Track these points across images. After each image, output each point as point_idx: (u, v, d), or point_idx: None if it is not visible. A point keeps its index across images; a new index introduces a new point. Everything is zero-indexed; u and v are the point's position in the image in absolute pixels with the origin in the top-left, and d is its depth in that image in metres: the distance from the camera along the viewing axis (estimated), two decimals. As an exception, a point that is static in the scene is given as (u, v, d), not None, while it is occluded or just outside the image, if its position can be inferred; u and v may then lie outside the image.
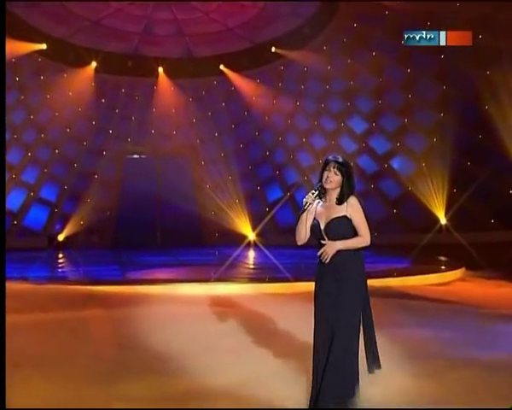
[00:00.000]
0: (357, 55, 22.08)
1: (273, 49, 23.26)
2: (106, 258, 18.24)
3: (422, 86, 21.03)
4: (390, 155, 22.49)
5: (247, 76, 23.85)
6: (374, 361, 4.42)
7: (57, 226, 22.86)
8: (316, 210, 4.40)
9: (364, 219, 4.35)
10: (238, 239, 20.81)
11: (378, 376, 4.50)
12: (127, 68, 23.55)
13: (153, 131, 24.15)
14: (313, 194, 4.32)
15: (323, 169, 4.38)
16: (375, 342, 4.43)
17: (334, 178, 4.33)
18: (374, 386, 4.55)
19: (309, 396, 4.41)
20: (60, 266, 17.43)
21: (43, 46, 22.10)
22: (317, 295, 4.39)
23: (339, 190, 4.36)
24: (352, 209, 4.34)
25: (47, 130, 23.49)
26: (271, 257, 15.30)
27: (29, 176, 23.05)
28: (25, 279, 11.46)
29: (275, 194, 23.95)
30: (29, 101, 22.87)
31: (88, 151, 23.87)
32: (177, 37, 23.79)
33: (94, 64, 23.09)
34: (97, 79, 23.40)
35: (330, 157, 4.41)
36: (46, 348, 6.39)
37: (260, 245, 19.58)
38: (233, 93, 24.19)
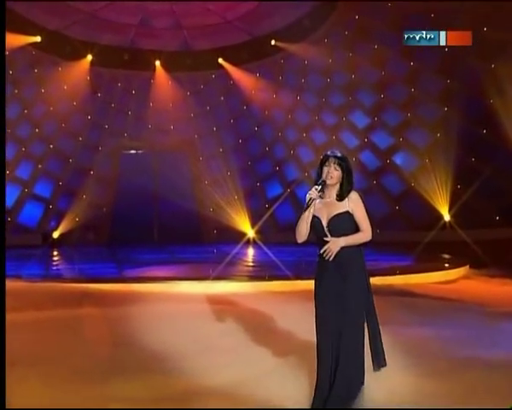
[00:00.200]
0: (359, 48, 22.02)
1: (273, 42, 23.20)
2: (102, 255, 18.27)
3: (426, 80, 20.98)
4: (392, 150, 22.45)
5: (247, 69, 23.82)
6: (380, 359, 4.44)
7: (52, 223, 22.85)
8: (314, 207, 4.41)
9: (365, 213, 4.37)
10: (237, 236, 20.83)
11: (380, 375, 4.52)
12: (123, 61, 23.51)
13: (150, 125, 24.13)
14: (317, 189, 4.32)
15: (322, 165, 4.39)
16: (381, 340, 4.45)
17: (334, 174, 4.35)
18: (376, 386, 4.57)
19: (311, 396, 4.43)
20: (54, 263, 17.43)
21: (38, 39, 22.05)
22: (319, 294, 4.39)
23: (338, 185, 4.38)
24: (354, 204, 4.37)
25: (41, 125, 23.47)
26: (271, 255, 15.33)
27: (23, 172, 23.02)
28: (19, 277, 11.46)
29: (274, 190, 23.95)
30: (23, 95, 22.82)
31: (83, 146, 23.85)
32: (175, 29, 23.74)
33: (89, 57, 23.05)
34: (93, 73, 23.37)
35: (329, 152, 4.43)
36: (41, 348, 6.41)
37: (260, 243, 19.62)
38: (232, 87, 24.17)
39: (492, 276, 12.01)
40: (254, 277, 13.01)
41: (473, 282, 11.83)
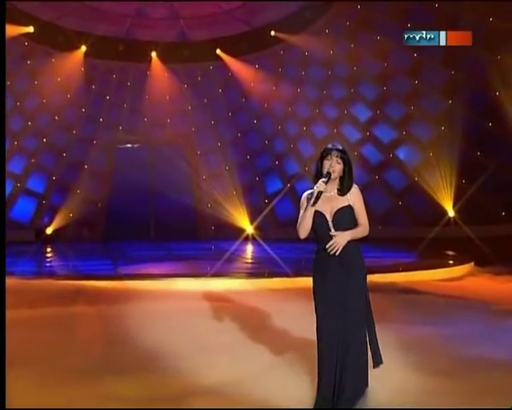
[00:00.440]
0: (361, 40, 22.00)
1: (272, 33, 23.19)
2: (96, 252, 18.27)
3: (429, 72, 20.96)
4: (395, 144, 22.45)
5: (245, 61, 23.80)
6: (377, 357, 4.47)
7: (45, 219, 22.85)
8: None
9: (364, 207, 4.41)
10: (235, 233, 20.85)
11: (383, 373, 4.54)
12: (118, 53, 23.49)
13: (145, 119, 24.12)
14: (324, 182, 4.33)
15: (323, 158, 4.40)
16: (376, 336, 4.48)
17: (336, 167, 4.37)
18: (378, 384, 4.59)
19: (312, 395, 4.44)
20: (48, 260, 17.44)
21: (30, 29, 22.05)
22: (320, 291, 4.39)
23: (338, 179, 4.40)
24: (354, 197, 4.42)
25: (34, 117, 23.46)
26: (270, 251, 15.33)
27: (15, 166, 23.01)
28: (12, 274, 11.44)
29: (274, 185, 23.95)
30: (15, 87, 22.77)
31: (77, 140, 23.84)
32: (172, 19, 23.71)
33: (83, 48, 23.04)
34: (87, 64, 23.35)
35: (330, 146, 4.45)
36: (35, 346, 6.42)
37: (259, 239, 19.63)
38: (230, 79, 24.14)
39: (498, 273, 12.01)
40: (253, 274, 13.00)
41: (477, 279, 11.84)
